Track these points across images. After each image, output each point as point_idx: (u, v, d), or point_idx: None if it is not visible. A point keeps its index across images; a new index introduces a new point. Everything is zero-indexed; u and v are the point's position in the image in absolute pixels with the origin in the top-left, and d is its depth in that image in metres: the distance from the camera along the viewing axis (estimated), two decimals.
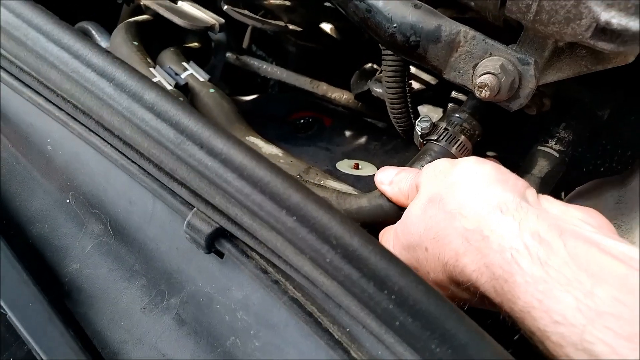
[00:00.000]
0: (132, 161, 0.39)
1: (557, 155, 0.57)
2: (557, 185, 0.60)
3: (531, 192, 0.37)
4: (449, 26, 0.42)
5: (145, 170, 0.38)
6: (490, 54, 0.41)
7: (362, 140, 0.88)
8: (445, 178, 0.40)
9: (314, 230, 0.27)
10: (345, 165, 0.77)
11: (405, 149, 0.84)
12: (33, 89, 0.43)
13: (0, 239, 0.44)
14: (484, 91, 0.40)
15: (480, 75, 0.40)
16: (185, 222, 0.36)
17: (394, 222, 0.51)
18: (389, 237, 0.45)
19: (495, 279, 0.32)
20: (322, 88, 1.01)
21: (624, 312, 0.27)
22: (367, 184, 0.72)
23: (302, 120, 0.96)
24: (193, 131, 0.31)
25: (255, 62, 1.06)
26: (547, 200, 0.37)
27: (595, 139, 0.70)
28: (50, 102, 0.42)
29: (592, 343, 0.27)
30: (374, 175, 0.75)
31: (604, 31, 0.35)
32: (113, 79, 0.33)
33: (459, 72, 0.43)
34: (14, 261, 0.44)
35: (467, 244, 0.34)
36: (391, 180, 0.49)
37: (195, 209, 0.36)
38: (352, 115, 0.98)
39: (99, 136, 0.40)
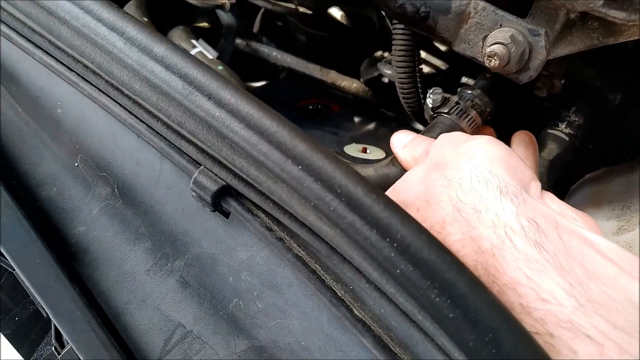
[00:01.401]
0: (141, 120, 0.39)
1: (567, 139, 0.57)
2: (567, 175, 0.59)
3: (536, 184, 0.37)
4: None
5: (153, 129, 0.39)
6: (501, 25, 0.41)
7: (371, 126, 0.88)
8: (455, 148, 0.40)
9: (319, 179, 0.27)
10: (353, 150, 0.77)
11: None
12: (44, 50, 0.44)
13: (11, 200, 0.45)
14: (493, 60, 0.40)
15: (490, 45, 0.40)
16: (192, 180, 0.36)
17: None
18: (387, 193, 0.45)
19: (481, 252, 0.32)
20: (332, 76, 1.01)
21: (615, 305, 0.27)
22: None
23: (310, 107, 0.97)
24: (202, 82, 0.31)
25: (265, 49, 1.07)
26: (549, 197, 0.37)
27: (605, 124, 0.69)
28: (61, 62, 0.43)
29: (581, 325, 0.27)
30: (381, 159, 0.75)
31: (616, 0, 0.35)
32: (123, 33, 0.34)
33: (469, 44, 0.43)
34: (23, 221, 0.45)
35: (457, 213, 0.34)
36: (405, 144, 0.49)
37: (202, 167, 0.36)
38: (361, 103, 0.98)
39: (109, 96, 0.41)
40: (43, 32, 0.41)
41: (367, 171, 0.52)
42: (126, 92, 0.37)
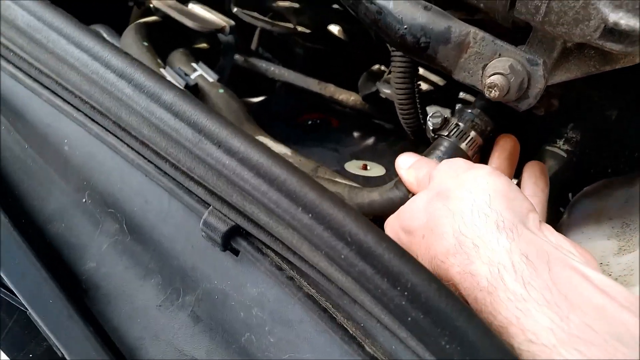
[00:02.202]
0: (149, 160, 0.40)
1: (565, 155, 0.58)
2: (565, 185, 0.60)
3: (534, 216, 0.37)
4: (459, 27, 0.43)
5: (161, 170, 0.39)
6: (500, 54, 0.42)
7: (370, 141, 0.89)
8: (457, 177, 0.41)
9: (330, 227, 0.28)
10: (353, 166, 0.78)
11: (413, 149, 0.84)
12: (51, 91, 0.44)
13: (21, 238, 0.45)
14: (493, 91, 0.41)
15: (489, 76, 0.41)
16: (202, 220, 0.37)
17: None
18: (391, 219, 0.46)
19: (479, 289, 0.33)
20: (330, 90, 1.01)
21: (594, 338, 0.28)
22: (375, 185, 0.72)
23: (309, 122, 0.97)
24: (211, 130, 0.32)
25: (263, 64, 1.07)
26: (548, 230, 0.38)
27: (603, 140, 0.70)
28: (69, 103, 0.43)
29: None
30: (382, 176, 0.76)
31: (612, 32, 0.35)
32: (132, 80, 0.34)
33: (469, 73, 0.44)
34: (33, 259, 0.45)
35: (459, 246, 0.35)
36: (409, 165, 0.50)
37: (211, 207, 0.37)
38: (359, 116, 0.99)
39: (116, 136, 0.41)
40: (51, 74, 0.42)
41: (373, 195, 0.53)
42: (134, 134, 0.38)
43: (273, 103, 1.04)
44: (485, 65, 0.43)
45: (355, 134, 0.91)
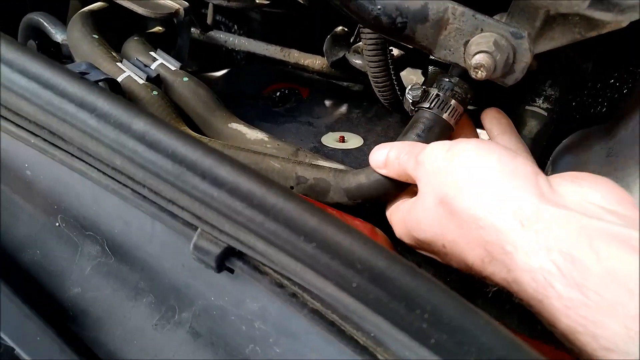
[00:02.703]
0: (125, 185, 0.37)
1: (546, 113, 0.57)
2: (546, 143, 0.60)
3: (543, 180, 0.35)
4: (436, 4, 0.40)
5: (139, 194, 0.36)
6: (481, 29, 0.40)
7: (343, 109, 0.86)
8: (447, 175, 0.38)
9: (337, 255, 0.26)
10: (330, 140, 0.76)
11: (387, 115, 0.83)
12: (1, 116, 0.40)
13: None
14: (480, 72, 0.39)
15: (474, 55, 0.39)
16: (192, 245, 0.35)
17: (395, 195, 0.50)
18: (399, 226, 0.45)
19: (529, 298, 0.30)
20: (294, 55, 0.97)
21: None
22: (355, 158, 0.71)
23: (278, 93, 0.94)
24: (192, 161, 0.29)
25: (221, 36, 1.02)
26: (560, 185, 0.35)
27: (574, 92, 0.70)
28: (23, 128, 0.39)
29: None
30: (360, 147, 0.74)
31: (602, 1, 0.34)
32: (95, 110, 0.31)
33: (450, 50, 0.42)
34: (10, 294, 0.42)
35: (490, 255, 0.33)
36: (385, 162, 0.48)
37: (199, 229, 0.35)
38: (328, 82, 0.96)
39: (84, 161, 0.38)
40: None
41: (360, 178, 0.52)
42: (105, 162, 0.35)
43: (236, 77, 0.99)
44: (467, 41, 0.41)
45: (327, 103, 0.88)
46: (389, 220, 0.48)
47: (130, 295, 0.43)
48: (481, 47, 0.39)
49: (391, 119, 0.81)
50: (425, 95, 0.52)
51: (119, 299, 0.43)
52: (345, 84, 0.97)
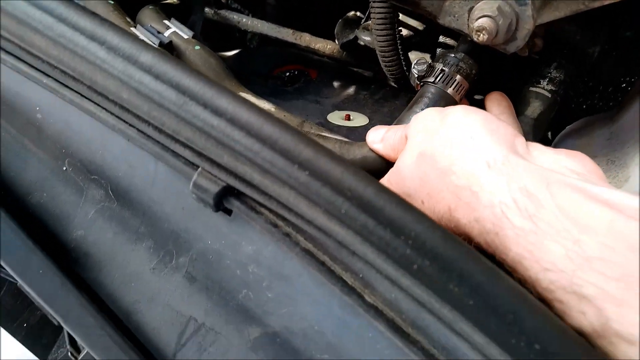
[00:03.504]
0: (130, 124, 0.38)
1: (549, 95, 0.58)
2: (549, 125, 0.61)
3: (520, 141, 0.37)
4: None
5: (144, 133, 0.38)
6: None
7: (351, 90, 0.87)
8: (434, 133, 0.40)
9: (328, 183, 0.27)
10: (336, 117, 0.77)
11: (394, 97, 0.83)
12: (16, 56, 0.42)
13: (1, 210, 0.44)
14: (481, 35, 0.40)
15: (477, 19, 0.40)
16: (192, 183, 0.36)
17: None
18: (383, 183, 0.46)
19: (486, 232, 0.33)
20: (305, 39, 0.98)
21: (612, 256, 0.27)
22: (359, 135, 0.72)
23: (287, 74, 0.95)
24: (196, 91, 0.30)
25: (234, 16, 1.03)
26: (537, 149, 0.37)
27: (578, 76, 0.70)
28: (36, 69, 0.41)
29: (580, 286, 0.28)
30: (365, 125, 0.75)
31: None
32: (105, 42, 0.32)
33: (454, 17, 0.43)
34: (17, 230, 0.44)
35: (458, 199, 0.35)
36: (382, 137, 0.50)
37: (200, 168, 0.36)
38: (338, 65, 0.97)
39: (92, 101, 0.39)
40: (12, 38, 0.39)
41: (364, 150, 0.53)
42: (112, 98, 0.36)
43: (247, 57, 1.01)
44: (472, 7, 0.42)
45: (335, 85, 0.89)
46: None
47: (131, 240, 0.45)
48: (484, 12, 0.40)
49: (398, 101, 0.82)
50: (430, 70, 0.53)
51: (120, 243, 0.45)
52: (355, 69, 0.98)
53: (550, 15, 0.42)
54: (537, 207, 0.31)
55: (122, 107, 0.37)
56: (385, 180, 0.46)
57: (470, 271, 0.25)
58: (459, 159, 0.36)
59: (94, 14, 0.33)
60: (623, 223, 0.28)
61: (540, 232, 0.30)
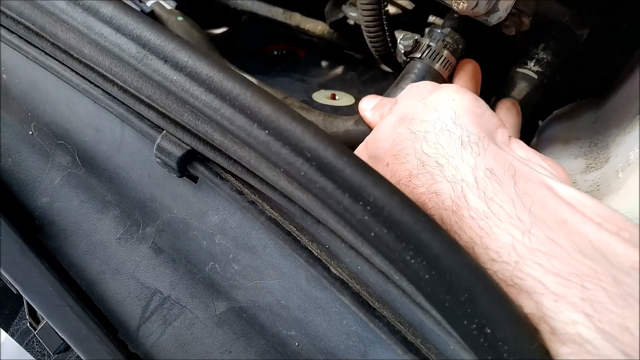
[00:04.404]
0: (95, 85, 0.37)
1: (536, 76, 0.57)
2: (535, 107, 0.59)
3: (502, 131, 0.36)
4: None
5: (109, 94, 0.36)
6: None
7: (338, 70, 0.86)
8: (422, 100, 0.39)
9: (288, 143, 0.26)
10: (321, 96, 0.75)
11: (382, 79, 0.82)
12: None
13: None
14: (461, 3, 0.38)
15: None
16: (155, 145, 0.35)
17: None
18: (359, 148, 0.45)
19: (444, 208, 0.32)
20: (296, 18, 0.97)
21: (557, 251, 0.27)
22: (344, 114, 0.71)
23: (275, 52, 0.93)
24: (156, 44, 0.29)
25: None
26: (517, 144, 0.36)
27: (569, 64, 0.69)
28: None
29: (521, 279, 0.27)
30: (351, 105, 0.74)
31: None
32: None
33: None
34: None
35: (422, 166, 0.34)
36: (373, 107, 0.49)
37: (164, 131, 0.35)
38: (327, 46, 0.95)
39: (57, 59, 0.38)
40: None
41: (348, 124, 0.52)
42: (76, 55, 0.35)
43: (236, 35, 0.99)
44: None
45: (323, 64, 0.88)
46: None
47: (97, 208, 0.43)
48: None
49: (386, 82, 0.81)
50: (416, 45, 0.52)
51: (86, 211, 0.43)
52: (345, 51, 0.96)
53: None
54: (496, 191, 0.30)
55: (86, 65, 0.36)
56: (362, 143, 0.44)
57: (427, 242, 0.24)
58: (434, 127, 0.35)
59: None
60: (578, 223, 0.28)
61: (492, 217, 0.29)
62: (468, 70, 0.51)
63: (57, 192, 0.44)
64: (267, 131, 0.26)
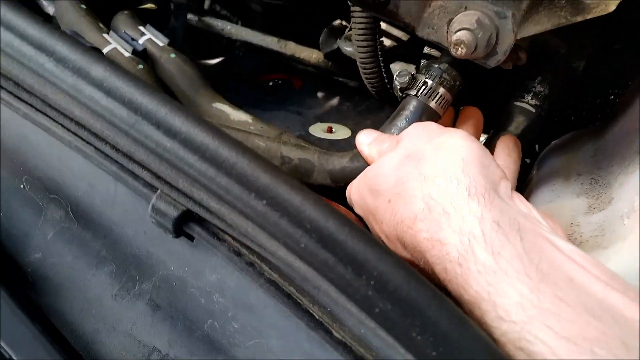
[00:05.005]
0: (87, 142, 0.36)
1: (534, 110, 0.56)
2: (533, 140, 0.59)
3: (506, 184, 0.36)
4: None
5: (101, 152, 0.35)
6: (466, 7, 0.39)
7: (334, 101, 0.85)
8: (430, 141, 0.39)
9: (286, 214, 0.25)
10: (318, 129, 0.75)
11: (378, 110, 0.82)
12: None
13: None
14: (460, 49, 0.38)
15: (455, 32, 0.38)
16: (150, 206, 0.34)
17: None
18: (355, 183, 0.45)
19: (449, 260, 0.31)
20: (291, 47, 0.96)
21: (565, 311, 0.26)
22: (341, 148, 0.70)
23: (270, 83, 0.93)
24: (148, 109, 0.28)
25: (218, 23, 1.01)
26: (518, 198, 0.36)
27: (568, 90, 0.69)
28: None
29: (530, 342, 0.26)
30: (348, 138, 0.73)
31: None
32: (53, 53, 0.30)
33: (433, 29, 0.41)
34: None
35: (428, 211, 0.34)
36: (370, 141, 0.48)
37: (159, 191, 0.34)
38: (322, 75, 0.95)
39: (47, 116, 0.37)
40: None
41: (343, 161, 0.51)
42: (66, 113, 0.34)
43: (231, 64, 0.99)
44: (451, 19, 0.40)
45: (319, 95, 0.87)
46: (347, 192, 0.47)
47: (92, 264, 0.42)
48: (463, 25, 0.38)
49: (382, 113, 0.80)
50: (413, 81, 0.52)
51: (80, 267, 0.42)
52: (340, 79, 0.96)
53: (532, 29, 0.40)
54: (503, 245, 0.30)
55: (77, 123, 0.35)
56: (360, 175, 0.44)
57: (434, 318, 0.23)
58: (444, 174, 0.35)
59: (42, 22, 0.31)
60: (585, 281, 0.28)
61: (500, 273, 0.28)
62: (473, 119, 0.51)
63: (50, 247, 0.43)
64: (264, 201, 0.25)
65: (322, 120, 0.78)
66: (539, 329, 0.26)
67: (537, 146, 0.74)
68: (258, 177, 0.26)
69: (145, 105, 0.28)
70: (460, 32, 0.38)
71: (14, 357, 0.38)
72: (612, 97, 0.71)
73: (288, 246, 0.25)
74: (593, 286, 0.27)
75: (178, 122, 0.27)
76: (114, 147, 0.34)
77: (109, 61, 0.30)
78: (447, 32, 0.40)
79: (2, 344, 0.39)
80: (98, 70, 0.30)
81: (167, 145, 0.27)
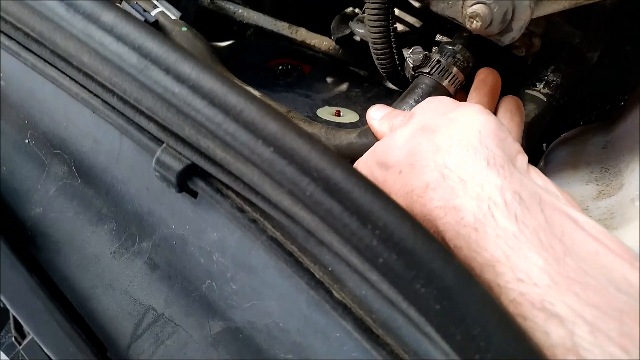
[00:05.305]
0: (94, 94, 0.36)
1: (545, 99, 0.56)
2: (544, 130, 0.58)
3: (523, 158, 0.35)
4: None
5: (108, 104, 0.35)
6: None
7: (343, 87, 0.85)
8: (445, 114, 0.38)
9: (293, 161, 0.25)
10: (326, 113, 0.74)
11: (387, 97, 0.81)
12: None
13: None
14: (475, 22, 0.37)
15: (471, 5, 0.38)
16: (154, 159, 0.33)
17: None
18: (365, 156, 0.44)
19: (464, 225, 0.31)
20: (301, 34, 0.96)
21: (591, 282, 0.26)
22: None
23: (280, 67, 0.93)
24: (158, 55, 0.28)
25: (230, 6, 1.01)
26: (535, 172, 0.36)
27: (583, 87, 0.68)
28: None
29: (552, 304, 0.26)
30: (355, 122, 0.73)
31: None
32: None
33: (448, 3, 0.41)
34: None
35: (442, 179, 0.33)
36: (382, 116, 0.48)
37: (164, 144, 0.33)
38: (332, 62, 0.95)
39: (56, 67, 0.36)
40: None
41: (351, 137, 0.51)
42: (75, 63, 0.34)
43: (241, 48, 0.98)
44: None
45: (328, 80, 0.87)
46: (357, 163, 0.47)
47: (92, 220, 0.42)
48: None
49: (391, 100, 0.80)
50: (426, 60, 0.51)
51: (80, 224, 0.42)
52: (350, 68, 0.96)
53: (549, 7, 0.39)
54: (525, 215, 0.29)
55: (85, 74, 0.35)
56: (369, 150, 0.43)
57: (439, 271, 0.22)
58: (460, 143, 0.34)
59: None
60: (609, 257, 0.27)
61: (523, 239, 0.28)
62: (487, 85, 0.48)
63: (52, 203, 0.43)
64: (272, 148, 0.25)
65: (331, 104, 0.77)
66: (564, 294, 0.26)
67: (544, 145, 0.74)
68: (266, 124, 0.25)
69: (155, 50, 0.28)
70: (476, 6, 0.37)
71: (9, 307, 0.38)
72: (622, 102, 0.71)
73: (293, 194, 0.25)
74: (617, 263, 0.27)
75: (187, 68, 0.27)
76: (121, 99, 0.34)
77: (120, 9, 0.30)
78: (462, 7, 0.40)
79: (1, 296, 0.39)
80: (109, 16, 0.29)
81: (175, 90, 0.27)
